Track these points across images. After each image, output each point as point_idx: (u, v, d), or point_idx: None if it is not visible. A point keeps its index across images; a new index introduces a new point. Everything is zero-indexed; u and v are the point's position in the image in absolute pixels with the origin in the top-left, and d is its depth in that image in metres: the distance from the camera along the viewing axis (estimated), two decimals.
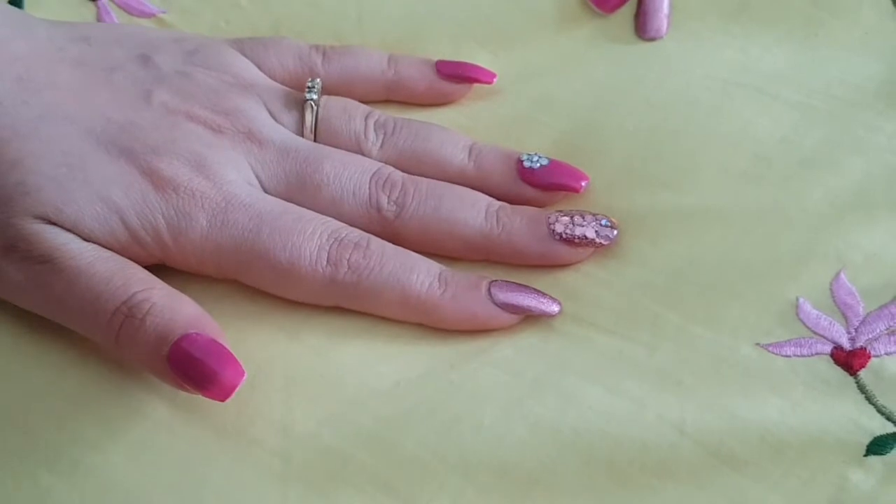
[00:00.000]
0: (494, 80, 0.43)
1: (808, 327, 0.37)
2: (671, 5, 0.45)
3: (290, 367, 0.37)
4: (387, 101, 0.44)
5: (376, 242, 0.38)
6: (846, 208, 0.39)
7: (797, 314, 0.37)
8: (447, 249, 0.39)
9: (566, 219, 0.39)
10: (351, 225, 0.38)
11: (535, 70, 0.44)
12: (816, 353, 0.36)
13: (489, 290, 0.37)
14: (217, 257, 0.38)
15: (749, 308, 0.37)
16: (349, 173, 0.39)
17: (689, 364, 0.36)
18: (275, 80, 0.43)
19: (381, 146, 0.40)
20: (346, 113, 0.41)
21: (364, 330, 0.38)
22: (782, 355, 0.36)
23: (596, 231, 0.39)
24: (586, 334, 0.38)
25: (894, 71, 0.43)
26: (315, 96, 0.41)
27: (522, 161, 0.40)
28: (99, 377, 0.37)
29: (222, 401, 0.34)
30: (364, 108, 0.42)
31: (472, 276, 0.38)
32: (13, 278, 0.37)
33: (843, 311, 0.37)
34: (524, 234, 0.39)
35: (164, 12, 0.46)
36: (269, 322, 0.38)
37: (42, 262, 0.36)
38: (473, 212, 0.39)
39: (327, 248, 0.37)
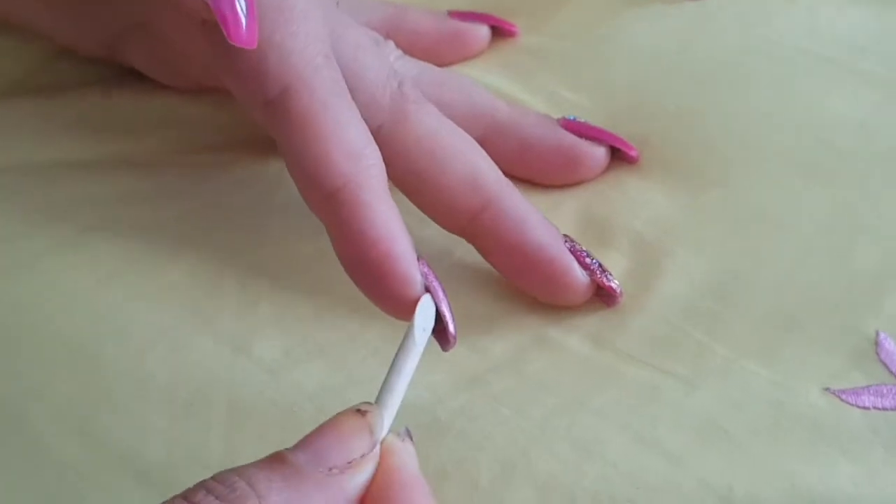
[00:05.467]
0: (515, 29, 0.41)
1: (891, 372, 0.31)
2: None
3: (234, 391, 0.32)
4: None
5: None
6: None
7: (877, 353, 0.32)
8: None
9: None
10: (364, 84, 0.33)
11: (563, 36, 0.41)
12: None
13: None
14: None
15: (816, 342, 0.32)
16: (374, 49, 0.34)
17: (739, 410, 0.31)
18: None
19: (401, 56, 0.36)
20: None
21: (330, 344, 0.33)
22: (859, 406, 0.31)
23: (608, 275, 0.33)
24: (611, 363, 0.32)
25: None
26: None
27: (565, 116, 0.37)
28: None
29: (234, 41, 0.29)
30: None
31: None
32: None
33: None
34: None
35: None
36: (213, 329, 0.33)
37: None
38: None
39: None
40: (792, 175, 0.36)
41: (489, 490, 0.29)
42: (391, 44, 0.36)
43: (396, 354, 0.27)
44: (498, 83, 0.39)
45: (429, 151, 0.33)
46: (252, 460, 0.28)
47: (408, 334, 0.28)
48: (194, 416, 0.31)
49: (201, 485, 0.24)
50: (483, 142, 0.35)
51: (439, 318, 0.29)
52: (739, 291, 0.33)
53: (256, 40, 0.29)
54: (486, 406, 0.31)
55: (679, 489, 0.29)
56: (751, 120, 0.37)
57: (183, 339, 0.33)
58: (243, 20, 0.29)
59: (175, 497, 0.24)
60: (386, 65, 0.34)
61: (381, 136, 0.32)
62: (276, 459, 0.25)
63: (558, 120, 0.37)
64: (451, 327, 0.29)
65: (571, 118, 0.37)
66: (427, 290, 0.29)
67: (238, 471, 0.25)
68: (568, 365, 0.32)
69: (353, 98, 0.31)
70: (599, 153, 0.36)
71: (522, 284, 0.33)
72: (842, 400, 0.31)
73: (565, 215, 0.35)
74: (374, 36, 0.35)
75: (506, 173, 0.34)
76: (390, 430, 0.27)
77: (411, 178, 0.32)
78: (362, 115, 0.31)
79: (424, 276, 0.29)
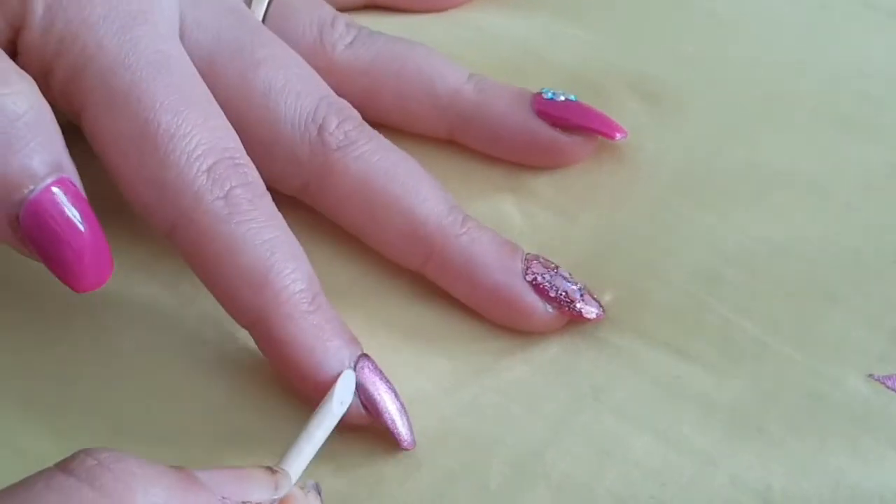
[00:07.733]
0: None
1: None
2: None
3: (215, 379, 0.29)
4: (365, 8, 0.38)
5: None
6: None
7: None
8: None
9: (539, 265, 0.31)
10: (278, 137, 0.31)
11: None
12: None
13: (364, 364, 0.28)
14: None
15: (856, 320, 0.30)
16: (298, 77, 0.31)
17: (773, 403, 0.28)
18: None
19: (351, 43, 0.34)
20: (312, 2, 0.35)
21: None
22: None
23: (580, 294, 0.30)
24: (630, 346, 0.30)
25: None
26: None
27: (541, 93, 0.34)
28: None
29: (78, 291, 0.27)
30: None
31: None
32: None
33: None
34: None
35: None
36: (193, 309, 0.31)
37: None
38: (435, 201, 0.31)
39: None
40: (826, 130, 0.33)
41: (501, 493, 0.27)
42: (340, 27, 0.34)
43: (310, 420, 0.27)
44: (498, 23, 0.37)
45: (361, 208, 0.30)
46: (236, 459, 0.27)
47: (325, 404, 0.27)
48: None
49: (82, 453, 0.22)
50: (451, 136, 0.33)
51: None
52: (770, 261, 0.31)
53: (108, 275, 0.26)
54: (495, 403, 0.29)
55: (711, 487, 0.27)
56: (778, 67, 0.35)
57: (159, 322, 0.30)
58: (86, 263, 0.26)
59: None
60: (305, 106, 0.31)
61: (310, 195, 0.30)
62: (176, 468, 0.23)
63: (532, 100, 0.33)
64: (402, 440, 0.27)
65: (549, 96, 0.33)
66: (364, 407, 0.27)
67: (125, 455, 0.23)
68: (584, 349, 0.30)
69: (271, 156, 0.29)
70: (579, 144, 0.33)
71: (490, 319, 0.31)
72: (887, 387, 0.28)
73: (571, 179, 0.33)
74: (314, 29, 0.33)
75: (485, 155, 0.33)
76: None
77: (352, 232, 0.31)
78: (281, 176, 0.30)
79: (362, 391, 0.27)
